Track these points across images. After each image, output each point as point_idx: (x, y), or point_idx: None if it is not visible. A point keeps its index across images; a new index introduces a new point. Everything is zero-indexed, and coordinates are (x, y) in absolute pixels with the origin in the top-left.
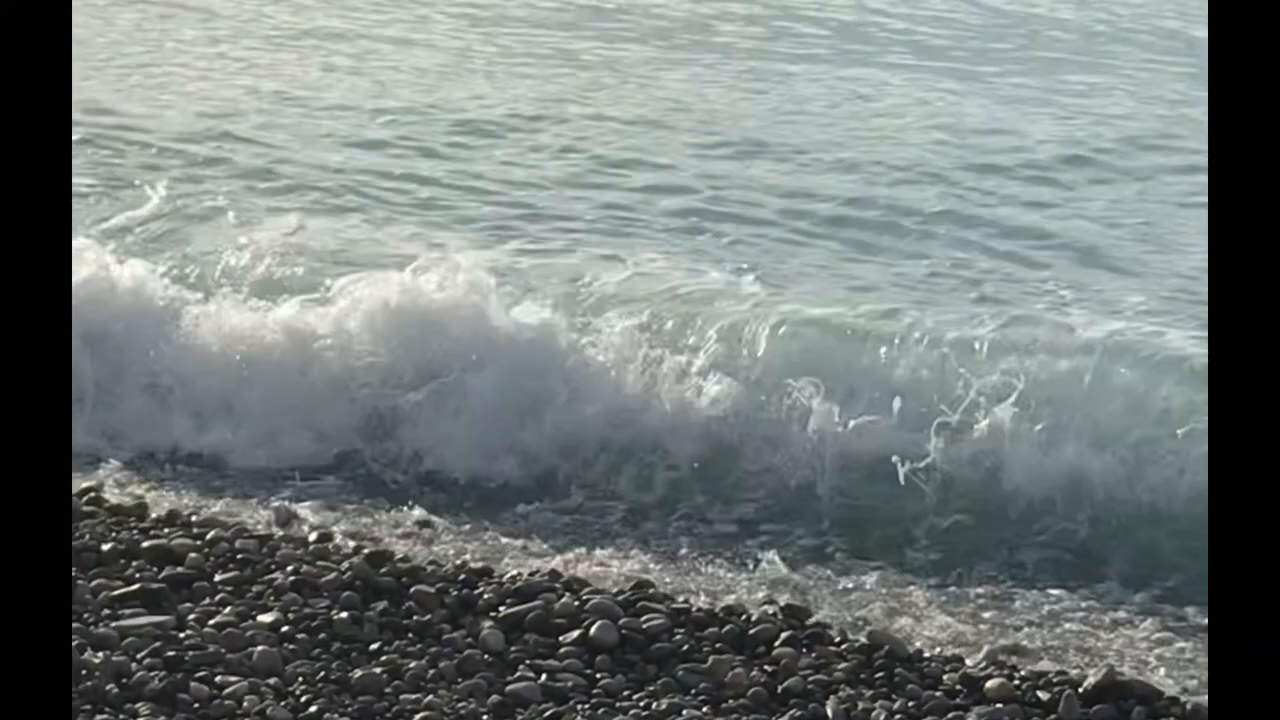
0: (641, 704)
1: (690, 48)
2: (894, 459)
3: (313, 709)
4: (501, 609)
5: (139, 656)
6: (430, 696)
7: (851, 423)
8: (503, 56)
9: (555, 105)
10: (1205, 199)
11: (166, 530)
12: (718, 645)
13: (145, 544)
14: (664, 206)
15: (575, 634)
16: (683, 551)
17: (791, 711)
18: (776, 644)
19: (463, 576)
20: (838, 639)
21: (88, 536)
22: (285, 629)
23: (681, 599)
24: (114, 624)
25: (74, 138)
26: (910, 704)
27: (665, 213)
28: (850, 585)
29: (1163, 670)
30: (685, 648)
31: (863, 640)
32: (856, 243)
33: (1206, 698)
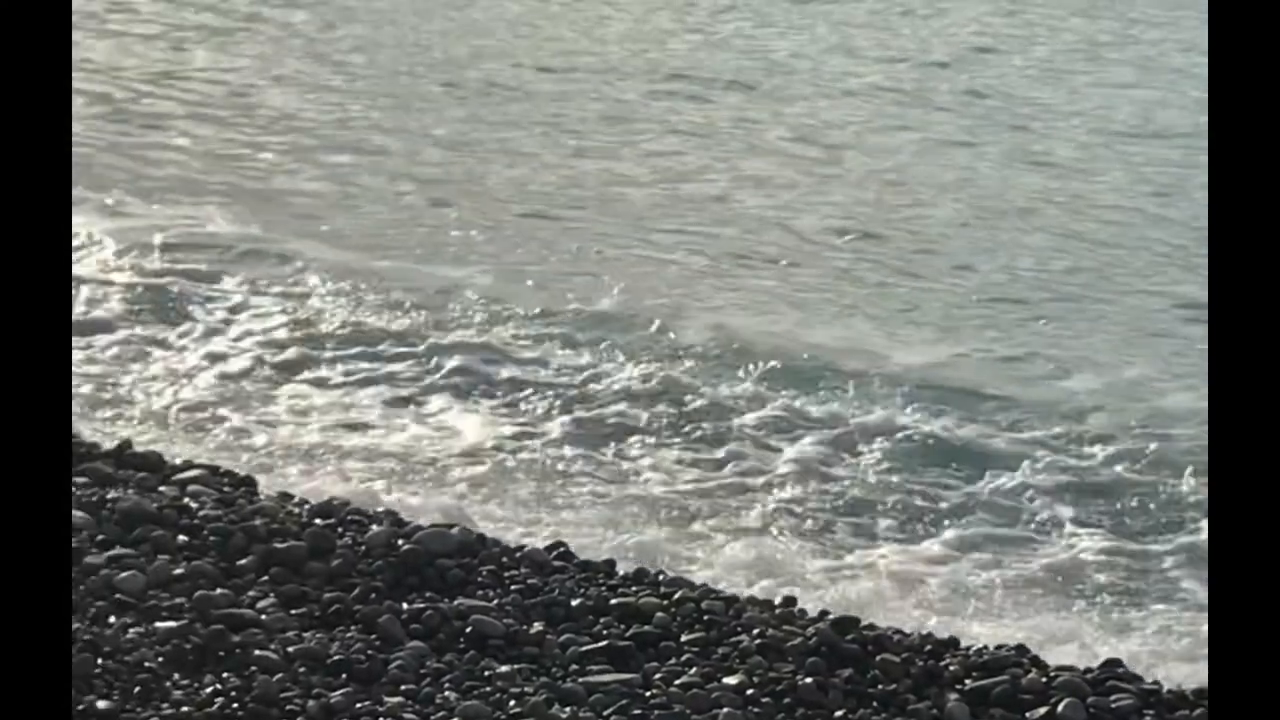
0: None
1: None
2: None
3: None
4: (968, 681)
5: (605, 713)
6: None
7: None
8: None
9: None
10: None
11: (634, 588)
12: None
13: (613, 601)
14: None
15: (1042, 711)
16: (1151, 629)
17: None
18: None
19: (929, 647)
20: None
21: (556, 591)
22: (750, 692)
23: (1151, 679)
24: (581, 679)
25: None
26: None
27: None
28: None
29: None
30: None
31: None
32: None
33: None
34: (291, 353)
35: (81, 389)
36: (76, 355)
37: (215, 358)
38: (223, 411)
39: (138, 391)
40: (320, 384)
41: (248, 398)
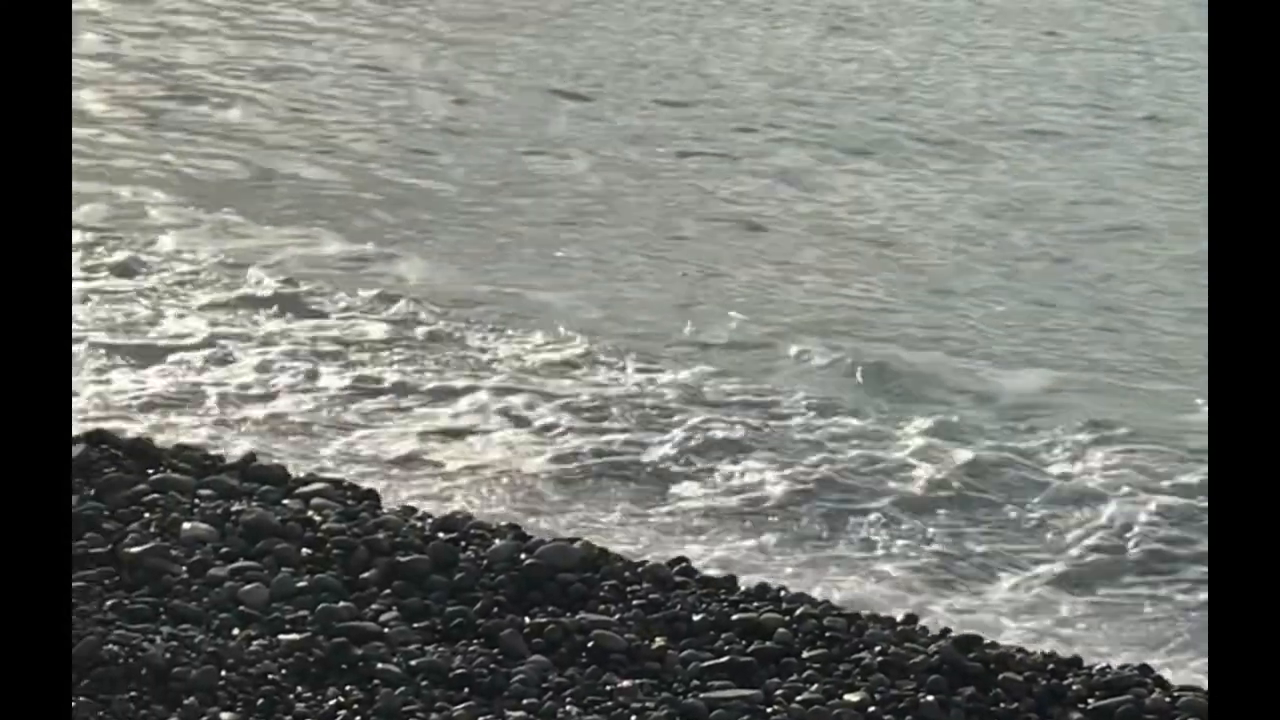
0: None
1: None
2: None
3: None
4: (1090, 701)
5: None
6: None
7: None
8: None
9: None
10: None
11: (755, 604)
12: None
13: (735, 616)
14: None
15: None
16: None
17: None
18: None
19: (1051, 666)
20: None
21: (678, 606)
22: (872, 709)
23: None
24: (702, 695)
25: None
26: None
27: None
28: None
29: None
30: None
31: None
32: None
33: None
34: (401, 369)
35: (205, 403)
36: (192, 374)
37: (330, 373)
38: (342, 424)
39: (254, 407)
40: (432, 400)
41: (363, 413)
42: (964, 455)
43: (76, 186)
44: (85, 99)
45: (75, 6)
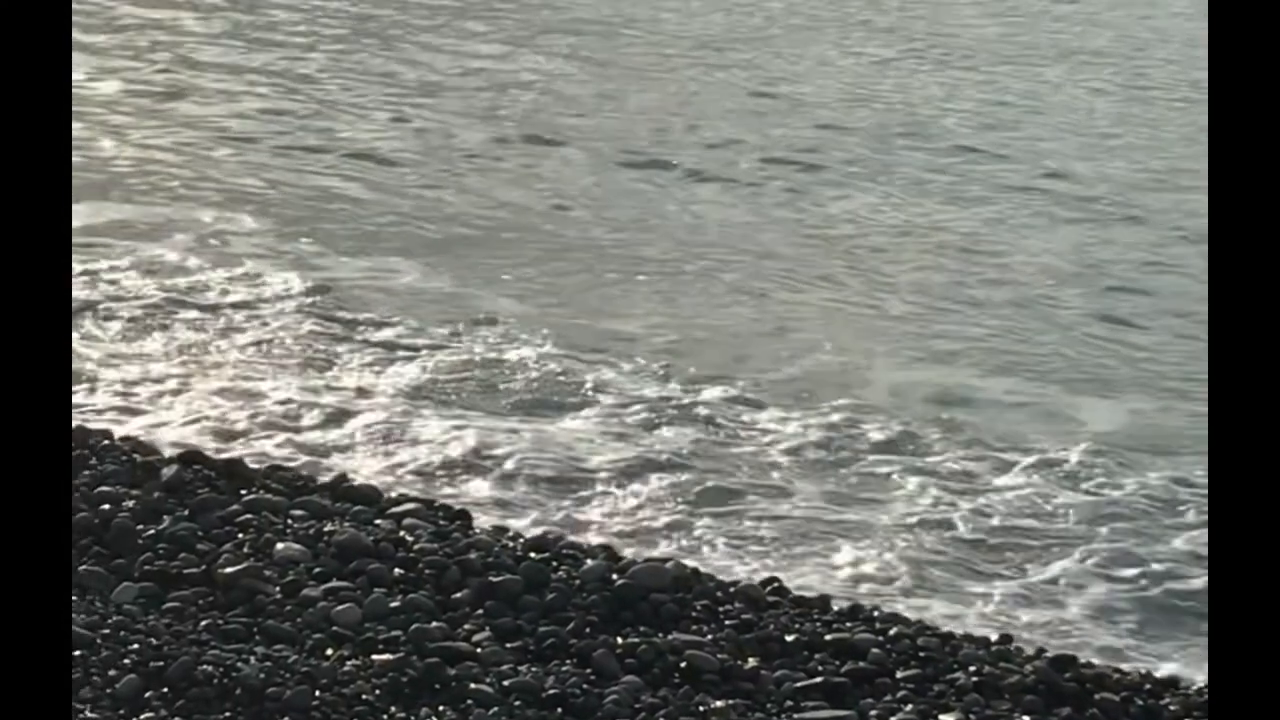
0: None
1: None
2: None
3: None
4: None
5: None
6: None
7: None
8: None
9: None
10: None
11: (849, 624)
12: None
13: (828, 637)
14: None
15: None
16: None
17: None
18: None
19: (1148, 685)
20: None
21: (771, 626)
22: None
23: None
24: (796, 715)
25: None
26: None
27: None
28: None
29: None
30: None
31: None
32: None
33: None
34: (486, 398)
35: (297, 425)
36: (282, 396)
37: (413, 399)
38: (433, 450)
39: (336, 430)
40: (519, 426)
41: (451, 439)
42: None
43: (168, 210)
44: (215, 114)
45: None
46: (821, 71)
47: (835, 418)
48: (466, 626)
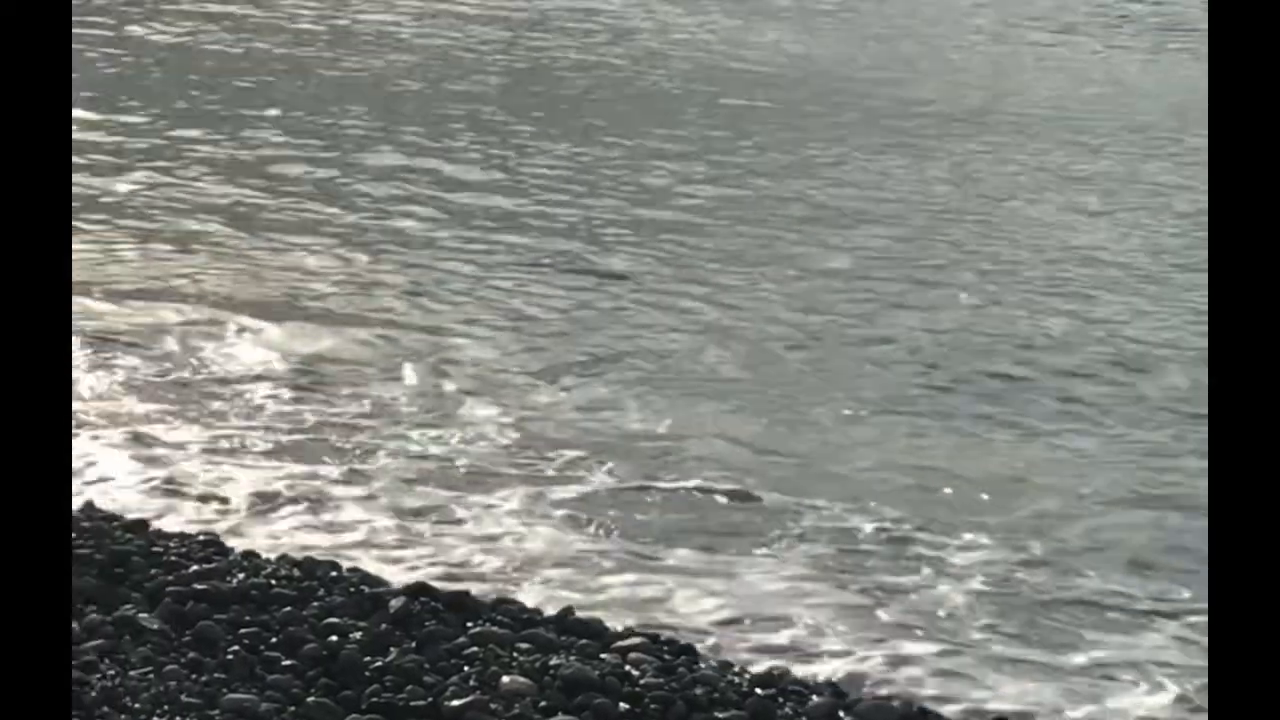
0: None
1: None
2: None
3: None
4: None
5: None
6: None
7: None
8: None
9: None
10: None
11: None
12: None
13: None
14: None
15: None
16: None
17: None
18: None
19: None
20: None
21: None
22: None
23: None
24: None
25: None
26: None
27: None
28: None
29: None
30: None
31: None
32: None
33: None
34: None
35: (508, 557)
36: (491, 529)
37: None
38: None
39: (548, 560)
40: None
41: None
42: None
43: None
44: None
45: None
46: None
47: None
48: None
